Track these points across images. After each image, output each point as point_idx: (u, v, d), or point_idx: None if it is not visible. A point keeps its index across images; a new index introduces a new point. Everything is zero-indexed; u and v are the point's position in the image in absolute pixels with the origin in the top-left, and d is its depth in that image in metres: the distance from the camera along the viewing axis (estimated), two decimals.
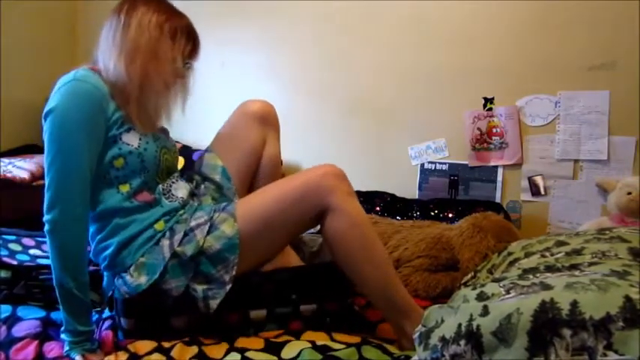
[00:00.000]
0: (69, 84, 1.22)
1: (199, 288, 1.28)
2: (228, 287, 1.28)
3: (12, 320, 1.36)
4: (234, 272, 1.28)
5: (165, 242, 1.29)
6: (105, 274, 1.38)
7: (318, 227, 1.90)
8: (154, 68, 1.31)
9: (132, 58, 1.29)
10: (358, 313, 1.49)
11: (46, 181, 1.21)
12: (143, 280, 1.26)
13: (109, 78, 1.28)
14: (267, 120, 1.51)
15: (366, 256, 1.29)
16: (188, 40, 1.37)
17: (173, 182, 1.40)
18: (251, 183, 1.54)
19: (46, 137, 1.23)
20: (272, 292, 1.37)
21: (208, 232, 1.29)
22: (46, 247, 1.75)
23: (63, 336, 1.23)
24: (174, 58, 1.35)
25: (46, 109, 1.23)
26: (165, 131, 1.47)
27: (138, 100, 1.29)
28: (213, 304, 1.27)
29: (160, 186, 1.35)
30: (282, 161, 1.65)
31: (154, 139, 1.34)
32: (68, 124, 1.21)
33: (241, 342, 1.31)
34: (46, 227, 1.20)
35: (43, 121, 1.24)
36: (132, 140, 1.29)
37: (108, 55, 1.30)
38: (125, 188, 1.29)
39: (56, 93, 1.23)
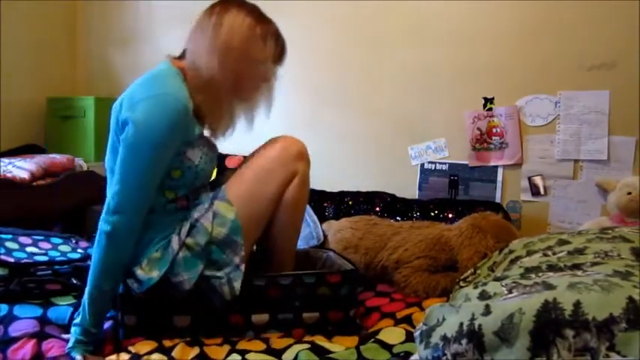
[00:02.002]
0: (159, 97, 1.24)
1: (218, 274, 1.30)
2: (243, 268, 1.31)
3: (8, 319, 1.36)
4: (243, 253, 1.32)
5: (175, 238, 1.31)
6: None
7: (321, 240, 1.93)
8: (246, 67, 1.36)
9: (225, 56, 1.32)
10: (359, 323, 1.50)
11: (116, 186, 1.24)
12: (155, 274, 1.28)
13: (198, 76, 1.31)
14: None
15: (299, 222, 1.50)
16: (277, 44, 1.41)
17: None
18: None
19: (126, 145, 1.24)
20: (275, 297, 1.38)
21: (214, 220, 1.32)
22: (43, 244, 1.78)
23: (73, 329, 1.25)
24: (265, 59, 1.39)
25: (130, 115, 1.23)
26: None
27: (229, 101, 1.34)
28: (237, 285, 1.30)
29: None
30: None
31: (211, 158, 1.40)
32: (152, 141, 1.23)
33: (242, 344, 1.32)
34: (105, 227, 1.22)
35: (117, 123, 1.27)
36: (194, 157, 1.33)
37: (199, 53, 1.33)
38: (171, 195, 1.34)
39: (144, 102, 1.24)
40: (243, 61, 1.34)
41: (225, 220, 1.32)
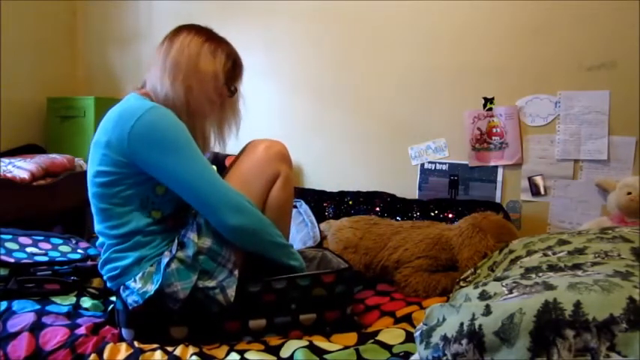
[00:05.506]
0: (152, 109, 1.26)
1: (211, 283, 1.30)
2: (236, 273, 1.32)
3: (7, 315, 1.36)
4: (234, 259, 1.33)
5: (166, 253, 1.31)
6: (108, 285, 1.38)
7: (318, 241, 1.91)
8: (196, 82, 1.36)
9: (175, 75, 1.35)
10: (357, 321, 1.50)
11: (201, 190, 1.28)
12: (150, 287, 1.28)
13: (158, 99, 1.34)
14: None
15: (287, 224, 1.51)
16: (228, 58, 1.42)
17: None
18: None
19: (169, 150, 1.25)
20: (271, 302, 1.38)
21: (198, 232, 1.32)
22: (43, 245, 1.78)
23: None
24: (215, 73, 1.39)
25: (148, 129, 1.24)
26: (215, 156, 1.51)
27: (187, 121, 1.33)
28: (231, 292, 1.30)
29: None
30: None
31: None
32: (185, 134, 1.28)
33: (241, 345, 1.32)
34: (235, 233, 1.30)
35: (128, 138, 1.24)
36: None
37: (154, 76, 1.36)
38: (157, 215, 1.34)
39: (142, 117, 1.24)
40: (192, 76, 1.36)
41: (210, 228, 1.32)
